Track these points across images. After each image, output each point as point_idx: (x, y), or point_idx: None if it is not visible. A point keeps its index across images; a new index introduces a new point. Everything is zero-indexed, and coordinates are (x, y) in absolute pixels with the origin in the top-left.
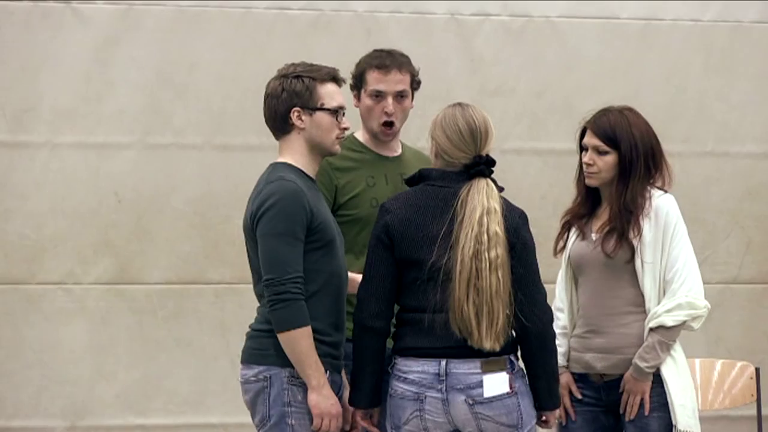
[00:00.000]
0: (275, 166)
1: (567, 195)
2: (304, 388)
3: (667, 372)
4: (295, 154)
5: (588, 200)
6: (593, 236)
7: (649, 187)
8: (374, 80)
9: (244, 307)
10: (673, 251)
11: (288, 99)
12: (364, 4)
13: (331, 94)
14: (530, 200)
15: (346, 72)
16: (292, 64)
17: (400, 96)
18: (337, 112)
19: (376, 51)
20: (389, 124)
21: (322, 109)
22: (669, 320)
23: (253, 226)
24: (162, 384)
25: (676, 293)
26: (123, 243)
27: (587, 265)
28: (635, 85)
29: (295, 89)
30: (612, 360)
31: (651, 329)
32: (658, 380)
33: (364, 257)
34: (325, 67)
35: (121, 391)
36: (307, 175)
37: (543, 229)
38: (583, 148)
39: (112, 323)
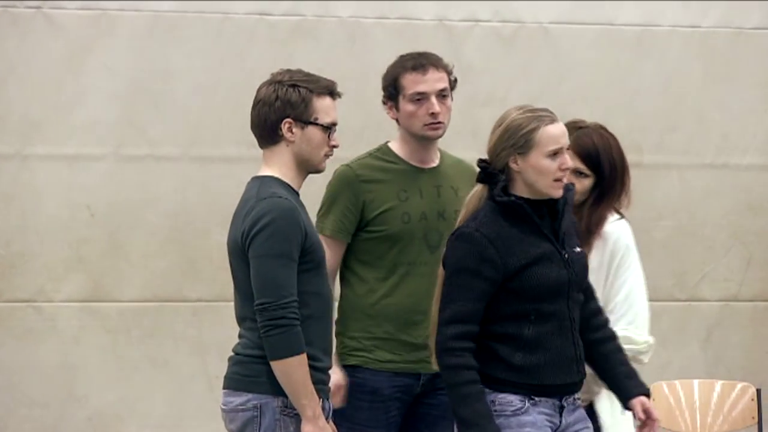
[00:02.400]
0: (263, 180)
1: None
2: (297, 419)
3: (600, 407)
4: (282, 167)
5: None
6: None
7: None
8: (413, 83)
9: (223, 325)
10: (616, 281)
11: (281, 108)
12: (349, 9)
13: (326, 108)
14: None
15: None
16: (288, 71)
17: (442, 95)
18: (329, 128)
19: (406, 55)
20: (436, 125)
21: (315, 123)
22: None
23: (244, 245)
24: (136, 406)
25: (614, 327)
26: (96, 259)
27: None
28: (632, 93)
29: (290, 99)
30: None
31: None
32: (591, 414)
33: (394, 277)
34: (324, 80)
35: (94, 413)
36: (294, 191)
37: None
38: None
39: (84, 343)
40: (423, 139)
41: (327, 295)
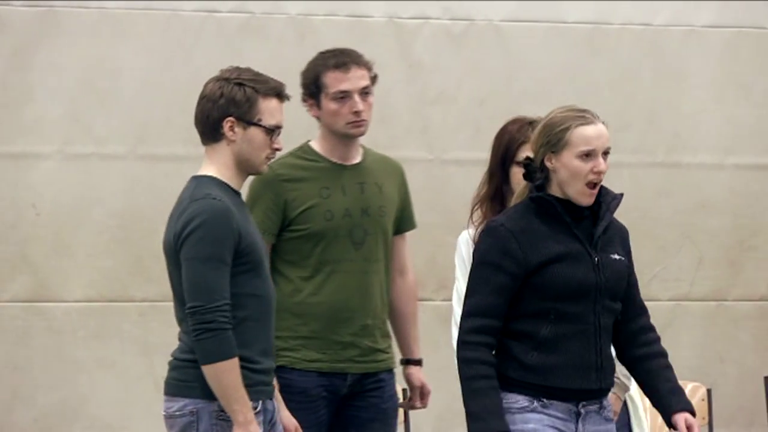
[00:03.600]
0: (199, 180)
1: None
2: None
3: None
4: (220, 166)
5: None
6: None
7: None
8: (335, 81)
9: (170, 326)
10: None
11: (224, 106)
12: (298, 6)
13: (271, 110)
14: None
15: (278, 77)
16: (237, 68)
17: (364, 93)
18: (273, 131)
19: (326, 52)
20: (359, 122)
21: (258, 125)
22: None
23: (177, 247)
24: (83, 407)
25: None
26: (41, 258)
27: None
28: (582, 92)
29: (235, 97)
30: None
31: None
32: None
33: (320, 275)
34: (272, 81)
35: (40, 415)
36: (233, 190)
37: None
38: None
39: (29, 343)
40: (345, 137)
41: (267, 296)
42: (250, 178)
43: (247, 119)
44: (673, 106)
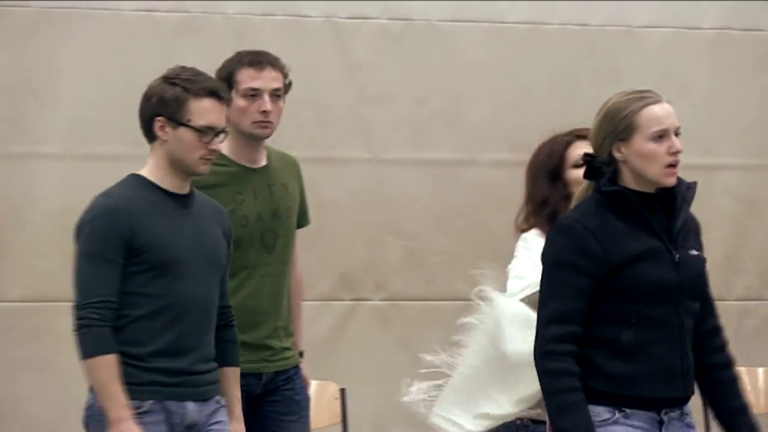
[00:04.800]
0: (125, 179)
1: (450, 207)
2: None
3: None
4: (154, 165)
5: None
6: None
7: None
8: (248, 78)
9: None
10: None
11: (155, 105)
12: (235, 5)
13: (202, 110)
14: (410, 213)
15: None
16: (182, 68)
17: (275, 95)
18: (203, 131)
19: (244, 51)
20: (266, 123)
21: (186, 125)
22: None
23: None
24: (20, 408)
25: None
26: None
27: None
28: (522, 91)
29: (165, 96)
30: None
31: None
32: None
33: (235, 280)
34: (207, 81)
35: None
36: (163, 190)
37: (425, 244)
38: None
39: None
40: (251, 137)
41: (179, 296)
42: None
43: (176, 119)
44: None
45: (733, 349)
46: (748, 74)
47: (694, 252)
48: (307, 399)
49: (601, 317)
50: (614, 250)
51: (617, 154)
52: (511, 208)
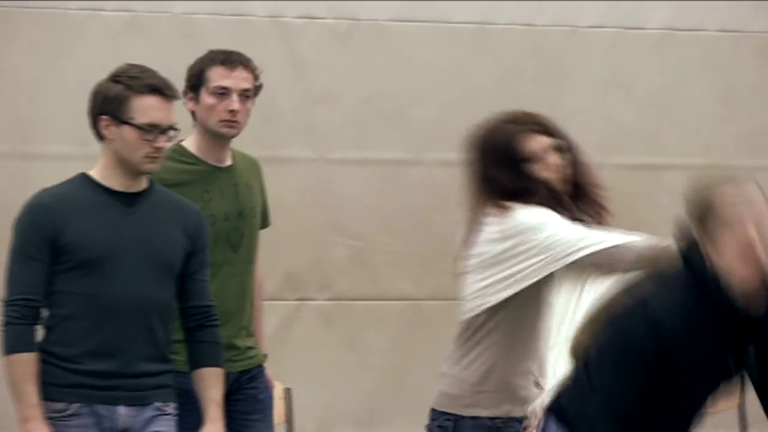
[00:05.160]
0: (74, 176)
1: (396, 207)
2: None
3: None
4: (101, 165)
5: None
6: None
7: None
8: (219, 76)
9: None
10: None
11: (100, 104)
12: (182, 5)
13: (145, 108)
14: (356, 213)
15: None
16: (130, 65)
17: (244, 95)
18: (146, 129)
19: (217, 50)
20: (233, 123)
21: (129, 123)
22: None
23: None
24: None
25: None
26: None
27: None
28: (468, 91)
29: (108, 95)
30: None
31: None
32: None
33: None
34: (151, 78)
35: None
36: (107, 189)
37: (370, 243)
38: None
39: None
40: (217, 136)
41: (109, 297)
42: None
43: (119, 117)
44: (556, 105)
45: None
46: (694, 74)
47: None
48: (270, 398)
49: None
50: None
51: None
52: (456, 208)
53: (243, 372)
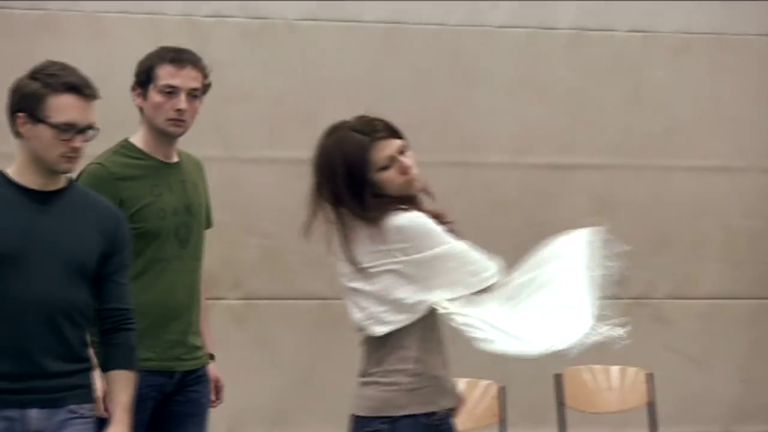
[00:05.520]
0: None
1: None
2: None
3: None
4: (19, 162)
5: None
6: None
7: None
8: (167, 75)
9: None
10: None
11: (16, 101)
12: (93, 4)
13: (62, 107)
14: (267, 212)
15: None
16: (51, 62)
17: (192, 95)
18: (63, 129)
19: (168, 47)
20: (179, 122)
21: (45, 122)
22: None
23: None
24: None
25: None
26: None
27: None
28: (379, 91)
29: (25, 92)
30: None
31: None
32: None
33: (150, 273)
34: (70, 75)
35: None
36: (20, 186)
37: (281, 243)
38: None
39: None
40: (164, 134)
41: (13, 295)
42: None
43: (36, 116)
44: (468, 105)
45: (588, 347)
46: (604, 74)
47: None
48: (209, 401)
49: None
50: None
51: None
52: None
53: (189, 372)
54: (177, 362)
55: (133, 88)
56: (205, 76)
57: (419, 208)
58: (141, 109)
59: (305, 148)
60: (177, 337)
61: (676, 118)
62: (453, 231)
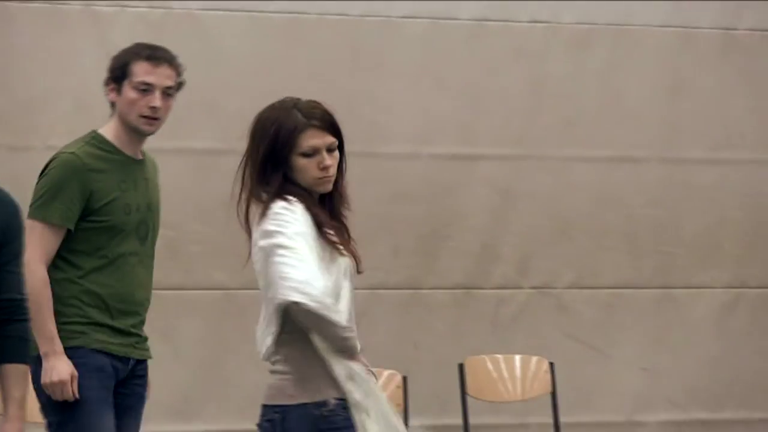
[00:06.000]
0: None
1: (209, 197)
2: None
3: None
4: None
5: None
6: None
7: None
8: (142, 72)
9: None
10: None
11: None
12: None
13: None
14: (169, 202)
15: None
16: None
17: (167, 93)
18: None
19: (144, 44)
20: (153, 120)
21: None
22: None
23: None
24: None
25: None
26: None
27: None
28: (282, 82)
29: None
30: None
31: None
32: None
33: (111, 267)
34: None
35: None
36: None
37: (184, 233)
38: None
39: None
40: (136, 131)
41: None
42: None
43: None
44: (369, 96)
45: (491, 336)
46: (506, 65)
47: None
48: (146, 396)
49: None
50: None
51: None
52: None
53: (140, 361)
54: (132, 349)
55: (107, 83)
56: (179, 74)
57: (318, 210)
58: (113, 104)
59: (208, 139)
60: (133, 329)
61: (578, 108)
62: (335, 248)
